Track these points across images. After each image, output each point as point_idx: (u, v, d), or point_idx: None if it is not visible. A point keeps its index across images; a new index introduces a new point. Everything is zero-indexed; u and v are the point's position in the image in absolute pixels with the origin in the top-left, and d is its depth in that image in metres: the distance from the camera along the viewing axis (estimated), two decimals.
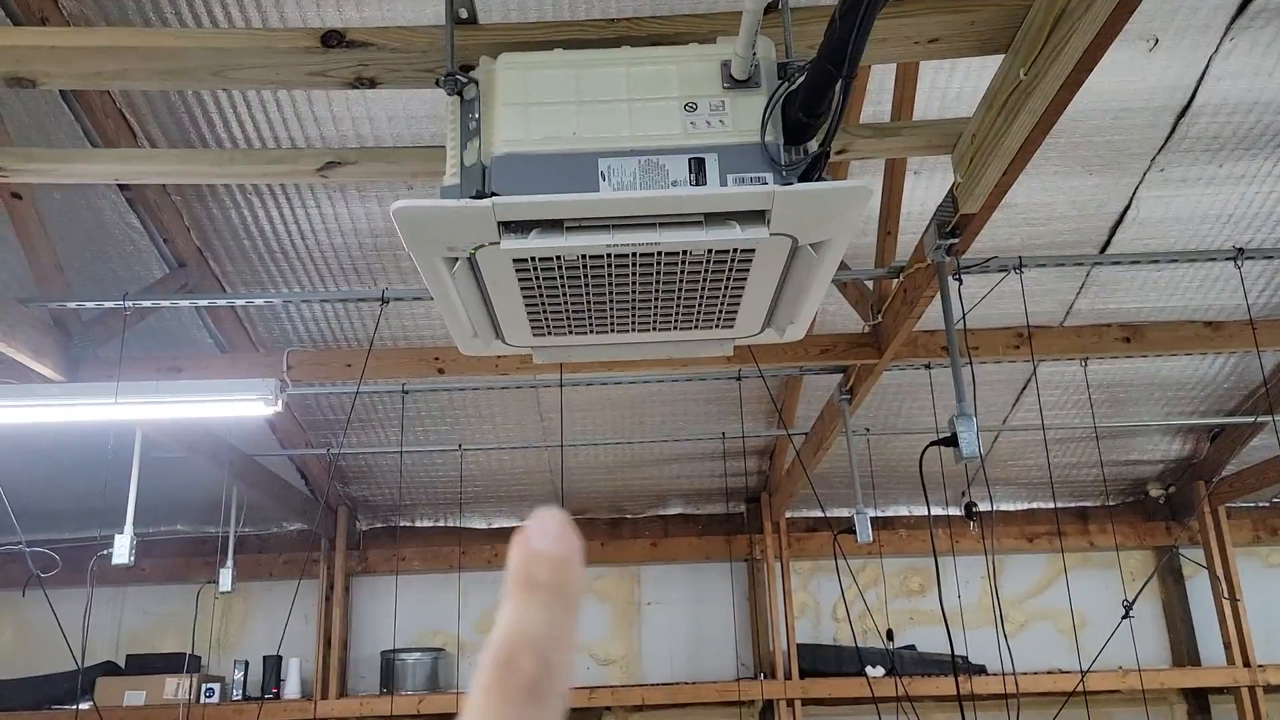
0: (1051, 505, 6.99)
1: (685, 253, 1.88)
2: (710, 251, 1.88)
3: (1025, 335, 3.64)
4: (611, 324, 2.22)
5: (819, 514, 6.78)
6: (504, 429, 5.94)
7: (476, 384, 4.76)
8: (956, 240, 2.77)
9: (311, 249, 4.74)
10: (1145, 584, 6.37)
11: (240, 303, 4.06)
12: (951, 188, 2.78)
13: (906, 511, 6.97)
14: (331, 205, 4.56)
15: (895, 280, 3.46)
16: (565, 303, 2.08)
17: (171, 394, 3.69)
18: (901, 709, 5.66)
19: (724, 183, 1.78)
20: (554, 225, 1.81)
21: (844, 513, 6.95)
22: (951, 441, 2.66)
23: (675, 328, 2.26)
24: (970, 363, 2.95)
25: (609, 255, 1.88)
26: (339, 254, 4.75)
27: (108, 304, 3.55)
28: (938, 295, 3.16)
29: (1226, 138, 4.42)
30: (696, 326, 2.26)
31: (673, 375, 4.37)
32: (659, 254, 1.88)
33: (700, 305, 2.13)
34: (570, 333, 2.26)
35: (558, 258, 1.88)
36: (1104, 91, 4.26)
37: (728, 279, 2.00)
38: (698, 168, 1.80)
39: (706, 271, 1.97)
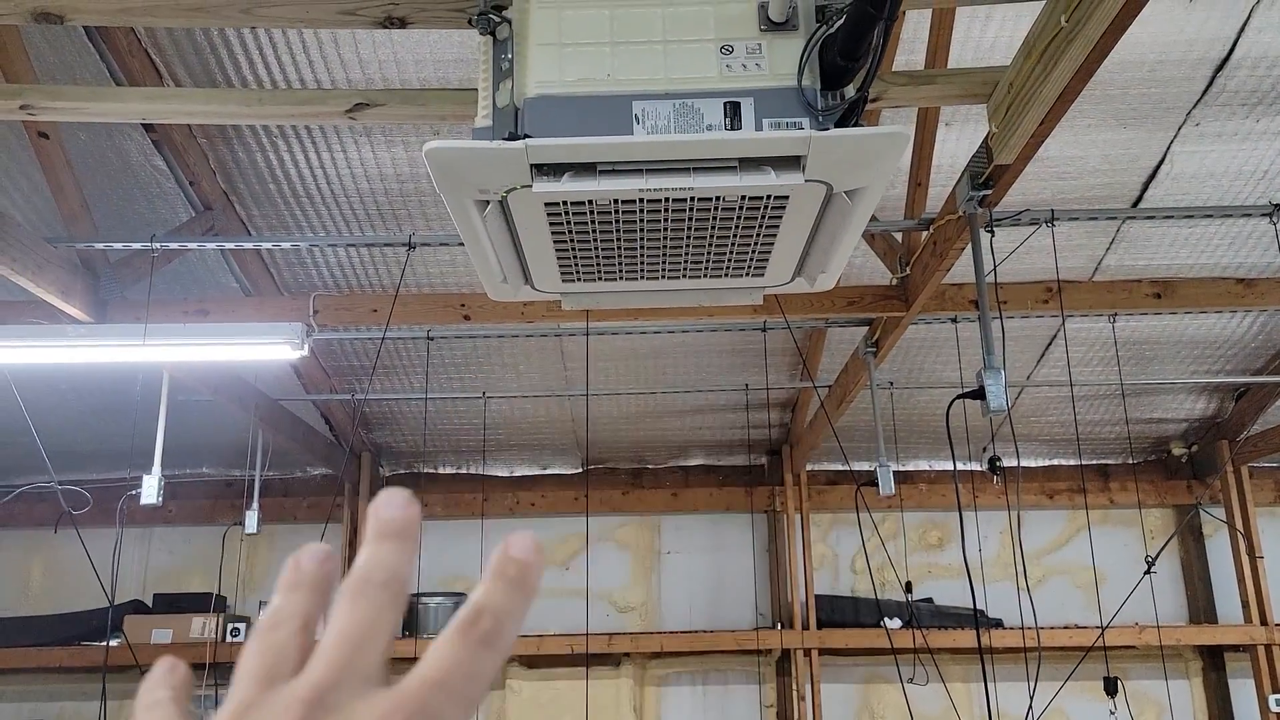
0: (1074, 462, 6.97)
1: (718, 198, 1.86)
2: (743, 197, 1.86)
3: (1055, 290, 3.60)
4: (642, 271, 2.21)
5: (839, 467, 6.79)
6: (527, 377, 5.96)
7: (501, 332, 4.76)
8: (989, 192, 2.73)
9: (337, 193, 4.74)
10: (1167, 542, 6.36)
11: (267, 246, 4.07)
12: (986, 138, 2.73)
13: (927, 466, 6.97)
14: (357, 149, 4.55)
15: (924, 233, 3.43)
16: (596, 248, 2.07)
17: (198, 336, 3.72)
18: (919, 660, 5.71)
19: (759, 127, 1.76)
20: (587, 168, 1.80)
21: (864, 466, 6.96)
22: (979, 394, 2.65)
23: (705, 275, 2.25)
24: (1000, 316, 2.93)
25: (641, 200, 1.87)
26: (364, 199, 4.74)
27: (135, 245, 3.56)
28: (967, 248, 3.13)
29: (1265, 92, 4.33)
30: (727, 274, 2.25)
31: (697, 325, 4.36)
32: (692, 199, 1.87)
33: (731, 252, 2.12)
34: (600, 279, 2.25)
35: (590, 202, 1.87)
36: (1141, 43, 4.17)
37: (760, 226, 1.99)
38: (733, 112, 1.77)
39: (739, 218, 1.95)
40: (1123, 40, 4.06)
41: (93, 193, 4.42)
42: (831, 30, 1.78)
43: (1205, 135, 4.53)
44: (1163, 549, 6.07)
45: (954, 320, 4.44)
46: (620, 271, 2.21)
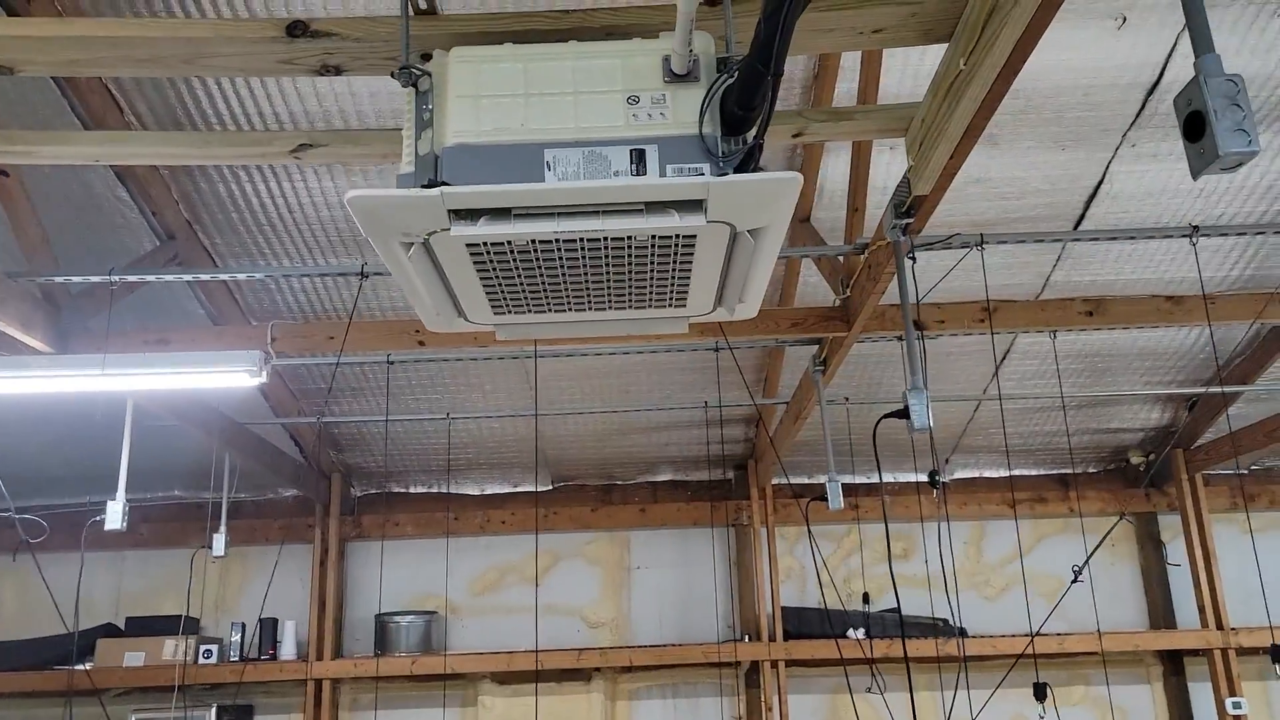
0: (1034, 472, 7.11)
1: (630, 238, 1.97)
2: (654, 237, 1.97)
3: (993, 308, 3.73)
4: (568, 303, 2.32)
5: (804, 480, 6.91)
6: (494, 397, 6.06)
7: (460, 355, 4.87)
8: (912, 220, 2.85)
9: (299, 221, 4.83)
10: (1095, 548, 6.50)
11: (224, 277, 4.15)
12: (907, 170, 2.86)
13: (891, 478, 7.10)
14: (317, 179, 4.65)
15: (860, 256, 3.55)
16: (521, 284, 2.18)
17: (157, 365, 3.80)
18: (876, 670, 5.81)
19: (663, 173, 1.87)
20: (502, 213, 1.90)
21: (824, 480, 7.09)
22: (905, 414, 2.76)
23: (630, 306, 2.36)
24: (922, 337, 3.04)
25: (557, 240, 1.97)
26: (325, 226, 4.84)
27: (95, 278, 3.65)
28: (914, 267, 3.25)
29: None
30: (650, 305, 2.36)
31: (653, 346, 4.47)
32: (605, 239, 1.98)
33: (650, 286, 2.23)
34: (529, 311, 2.36)
35: (508, 243, 1.97)
36: (1075, 69, 4.31)
37: (674, 262, 2.10)
38: (639, 158, 1.89)
39: (653, 255, 2.06)
40: (1056, 66, 4.22)
41: (57, 224, 4.51)
42: (730, 81, 1.90)
43: (1141, 155, 4.68)
44: (1090, 556, 6.20)
45: (899, 339, 4.57)
46: (548, 304, 2.32)
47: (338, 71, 2.37)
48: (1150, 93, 4.35)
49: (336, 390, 6.13)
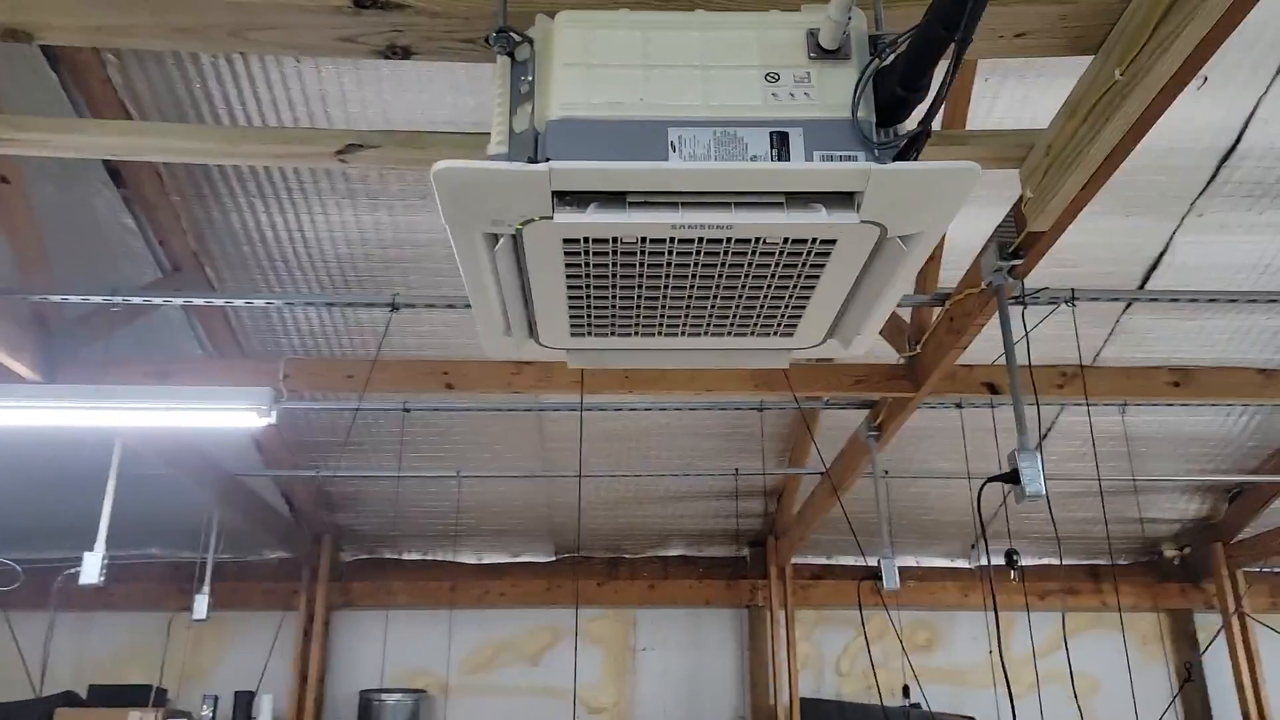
0: (1065, 562, 6.75)
1: (758, 240, 1.67)
2: (786, 240, 1.67)
3: (1072, 373, 3.44)
4: (661, 325, 2.00)
5: (824, 560, 6.52)
6: (504, 458, 5.69)
7: (482, 405, 4.51)
8: (1020, 261, 2.57)
9: (315, 257, 4.52)
10: (1209, 644, 6.11)
11: (239, 302, 3.83)
12: (1016, 204, 2.58)
13: (914, 562, 6.72)
14: (339, 211, 4.36)
15: (939, 309, 3.26)
16: (613, 295, 1.86)
17: (156, 400, 3.45)
18: None
19: (810, 160, 1.58)
20: (615, 199, 1.60)
21: (850, 561, 6.71)
22: (1012, 478, 2.44)
23: (730, 332, 2.05)
24: (1036, 398, 2.74)
25: (672, 240, 1.67)
26: (344, 265, 4.53)
27: (95, 298, 3.31)
28: (986, 325, 2.96)
29: (1269, 184, 4.27)
30: (753, 332, 2.04)
31: (690, 403, 4.14)
32: (728, 240, 1.67)
33: (763, 306, 1.92)
34: (613, 333, 2.04)
35: (614, 239, 1.66)
36: (1151, 129, 4.11)
37: (799, 275, 1.79)
38: (780, 142, 1.59)
39: (778, 264, 1.75)
40: None
41: (55, 249, 4.17)
42: (885, 63, 1.62)
43: (1208, 226, 4.46)
44: (1203, 653, 5.81)
45: (958, 406, 4.26)
46: (636, 325, 2.00)
47: (406, 54, 2.09)
48: (1225, 159, 4.14)
49: (333, 444, 5.74)
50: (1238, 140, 4.05)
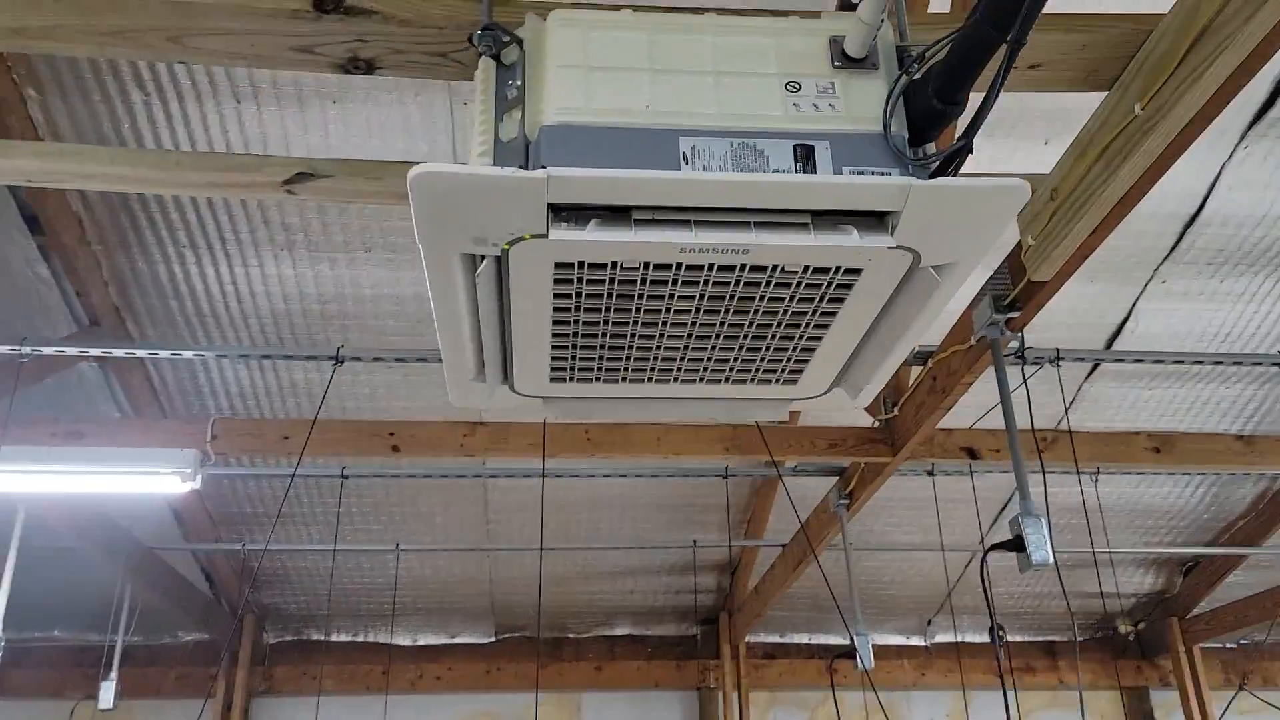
0: (1018, 638, 6.59)
1: (775, 268, 1.48)
2: (806, 269, 1.48)
3: (1053, 437, 3.30)
4: (653, 370, 1.79)
5: (778, 639, 6.26)
6: (444, 530, 5.37)
7: (427, 470, 4.22)
8: (1017, 314, 2.42)
9: (248, 313, 4.24)
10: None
11: (164, 354, 3.51)
12: (1013, 253, 2.45)
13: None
14: (276, 264, 4.09)
15: (918, 368, 3.11)
16: (604, 333, 1.65)
17: (66, 462, 3.11)
18: None
19: (838, 174, 1.40)
20: (619, 215, 1.40)
21: (805, 639, 6.46)
22: (1016, 545, 2.25)
23: (727, 379, 1.84)
24: (1042, 469, 2.58)
25: (679, 266, 1.47)
26: (279, 321, 4.25)
27: (2, 348, 2.99)
28: (974, 384, 2.81)
29: (1231, 252, 4.26)
30: (754, 379, 1.84)
31: (651, 469, 3.91)
32: (741, 268, 1.48)
33: (768, 348, 1.72)
34: (598, 379, 1.82)
35: (613, 264, 1.46)
36: None
37: (814, 311, 1.60)
38: (805, 156, 1.41)
39: (792, 298, 1.56)
40: None
41: None
42: (915, 76, 1.46)
43: (1171, 293, 4.43)
44: None
45: (930, 473, 4.10)
46: (625, 369, 1.79)
47: (369, 68, 1.88)
48: (1189, 225, 4.11)
49: (261, 515, 5.37)
50: (1201, 206, 4.03)
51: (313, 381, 4.58)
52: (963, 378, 2.76)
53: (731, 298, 1.56)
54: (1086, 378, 4.81)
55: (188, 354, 3.40)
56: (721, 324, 1.64)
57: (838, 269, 1.49)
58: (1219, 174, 3.91)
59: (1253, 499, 5.62)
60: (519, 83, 1.49)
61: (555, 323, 1.62)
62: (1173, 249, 4.22)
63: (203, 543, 5.18)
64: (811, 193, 1.37)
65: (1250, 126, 3.75)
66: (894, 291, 1.57)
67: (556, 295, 1.54)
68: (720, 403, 1.94)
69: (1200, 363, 3.77)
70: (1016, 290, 2.41)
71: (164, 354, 3.38)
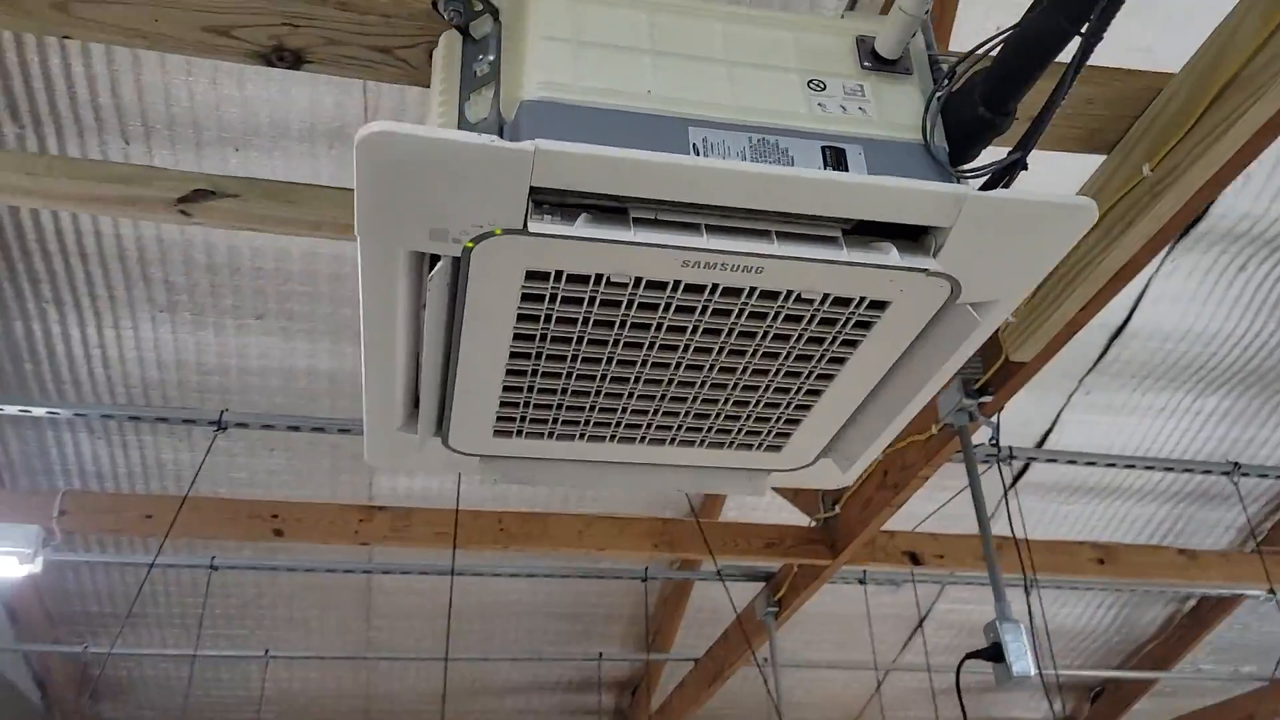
0: None
1: (788, 296, 1.23)
2: (825, 299, 1.24)
3: (998, 543, 3.10)
4: (617, 426, 1.51)
5: None
6: (321, 636, 4.84)
7: (311, 563, 3.76)
8: (990, 398, 2.23)
9: (115, 380, 3.79)
10: None
11: (11, 410, 3.03)
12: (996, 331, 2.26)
13: None
14: (153, 328, 3.68)
15: None
16: (570, 373, 1.37)
17: None
18: None
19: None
20: (612, 215, 1.14)
21: None
22: (994, 654, 2.01)
23: (702, 442, 1.57)
24: (1032, 579, 2.36)
25: (676, 287, 1.21)
26: (151, 390, 3.81)
27: None
28: (929, 480, 2.60)
29: (1154, 365, 4.25)
30: (732, 443, 1.58)
31: (566, 568, 3.55)
32: (749, 293, 1.23)
33: (759, 401, 1.46)
34: (551, 435, 1.53)
35: (598, 280, 1.19)
36: None
37: (822, 355, 1.36)
38: (836, 159, 1.19)
39: (800, 336, 1.32)
40: None
41: None
42: (954, 87, 1.26)
43: (1095, 405, 4.38)
44: None
45: (861, 581, 3.85)
46: (586, 423, 1.50)
47: (296, 61, 1.60)
48: (1115, 336, 4.09)
49: (105, 614, 4.75)
50: (1129, 318, 4.02)
51: (182, 463, 4.10)
52: (920, 471, 2.55)
53: (729, 333, 1.31)
54: (1010, 486, 4.70)
55: (38, 411, 2.94)
56: (710, 368, 1.38)
57: (860, 301, 1.26)
58: (1146, 286, 3.90)
59: (1162, 620, 5.55)
60: (492, 58, 1.24)
61: (513, 355, 1.33)
62: (1099, 359, 4.18)
63: (37, 643, 4.53)
64: (851, 196, 1.13)
65: (1178, 240, 3.76)
66: (918, 335, 1.34)
67: (521, 318, 1.26)
68: (689, 471, 1.66)
69: (1141, 468, 3.66)
70: (990, 372, 2.22)
71: (9, 409, 2.91)
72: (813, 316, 1.28)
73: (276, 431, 3.93)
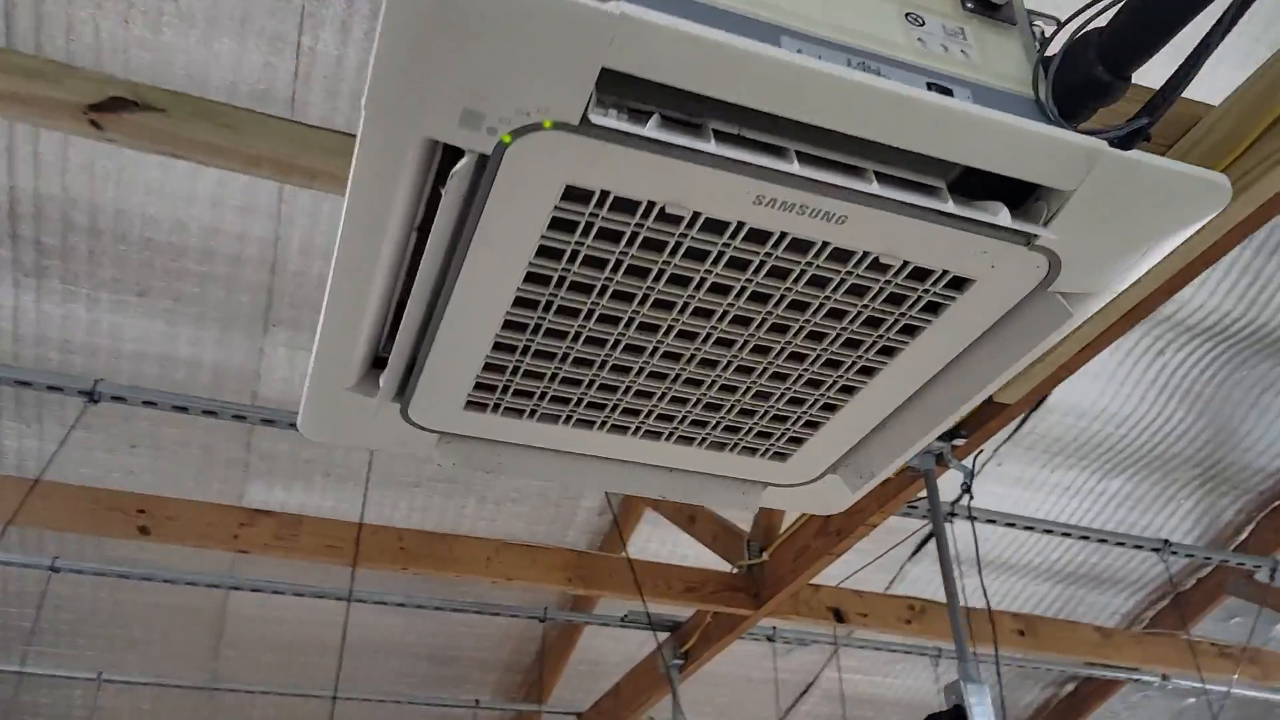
0: None
1: (862, 259, 1.04)
2: (903, 267, 1.05)
3: (920, 607, 2.96)
4: (612, 410, 1.28)
5: None
6: (164, 662, 4.33)
7: (170, 573, 3.31)
8: (963, 440, 2.09)
9: None
10: None
11: None
12: None
13: None
14: (15, 294, 3.26)
15: None
16: (578, 334, 1.14)
17: None
18: None
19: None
20: (688, 126, 0.93)
21: None
22: (958, 716, 1.83)
23: (704, 441, 1.35)
24: (994, 632, 2.20)
25: (739, 227, 1.00)
26: (5, 365, 3.36)
27: None
28: (871, 533, 2.43)
29: (1067, 442, 4.25)
30: (738, 445, 1.36)
31: (457, 602, 3.24)
32: (820, 249, 1.03)
33: (785, 393, 1.26)
34: (533, 414, 1.28)
35: (648, 210, 0.97)
36: None
37: (876, 341, 1.16)
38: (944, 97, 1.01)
39: (859, 315, 1.12)
40: None
41: None
42: (1063, 40, 1.11)
43: (1004, 478, 4.34)
44: None
45: (769, 639, 3.64)
46: (578, 403, 1.26)
47: None
48: (1034, 408, 4.07)
49: None
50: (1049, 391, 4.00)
51: (27, 451, 3.62)
52: (870, 518, 2.37)
53: (779, 301, 1.10)
54: (909, 558, 4.61)
55: None
56: (742, 345, 1.17)
57: (940, 277, 1.07)
58: None
59: (1038, 705, 5.53)
60: None
61: (517, 301, 1.09)
62: (1015, 430, 4.15)
63: None
64: (976, 135, 0.95)
65: None
66: (989, 327, 1.16)
67: (542, 252, 1.02)
68: (677, 476, 1.43)
69: (1086, 538, 3.59)
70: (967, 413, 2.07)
71: None
72: (880, 290, 1.09)
73: (142, 425, 3.53)
